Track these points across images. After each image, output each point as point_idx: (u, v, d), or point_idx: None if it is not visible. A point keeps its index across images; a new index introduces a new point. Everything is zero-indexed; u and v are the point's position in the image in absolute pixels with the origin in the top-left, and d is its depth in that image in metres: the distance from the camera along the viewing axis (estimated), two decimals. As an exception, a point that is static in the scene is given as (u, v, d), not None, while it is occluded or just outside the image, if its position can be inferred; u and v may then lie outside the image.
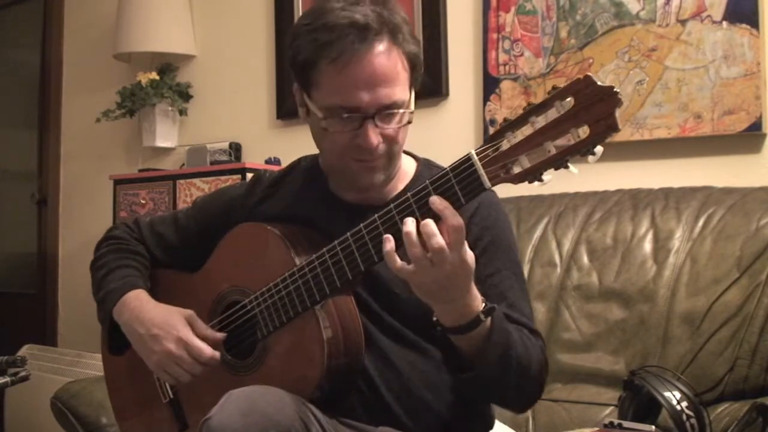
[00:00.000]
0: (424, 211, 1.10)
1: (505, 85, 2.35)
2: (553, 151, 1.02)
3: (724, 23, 2.00)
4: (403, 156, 1.42)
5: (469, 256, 1.11)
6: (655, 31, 2.11)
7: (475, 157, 1.07)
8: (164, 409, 1.49)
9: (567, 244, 1.93)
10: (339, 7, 1.23)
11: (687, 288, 1.74)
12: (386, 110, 1.25)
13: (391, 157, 1.30)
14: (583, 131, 1.00)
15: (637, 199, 1.92)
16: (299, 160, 1.51)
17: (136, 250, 1.54)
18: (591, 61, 2.20)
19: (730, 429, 1.41)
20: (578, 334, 1.84)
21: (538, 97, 2.25)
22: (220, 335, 1.37)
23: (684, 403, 1.37)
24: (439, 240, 1.07)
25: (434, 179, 1.11)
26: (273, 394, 1.15)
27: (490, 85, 2.38)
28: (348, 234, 1.20)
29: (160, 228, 1.56)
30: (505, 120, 1.06)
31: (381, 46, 1.23)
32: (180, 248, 1.54)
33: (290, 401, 1.15)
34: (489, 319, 1.17)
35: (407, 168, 1.41)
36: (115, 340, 1.50)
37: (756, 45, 1.96)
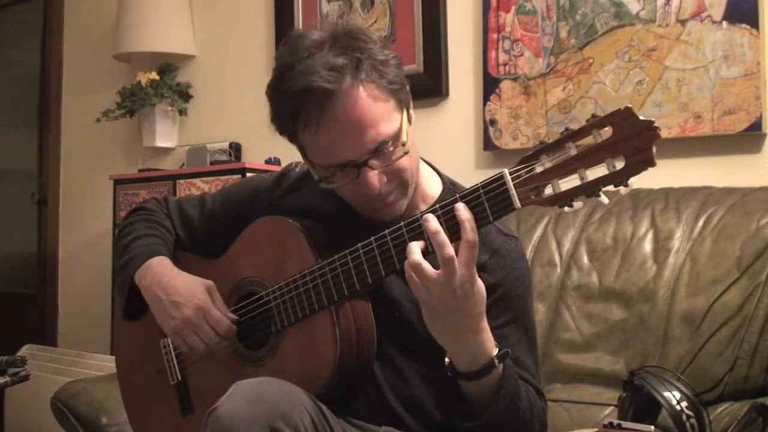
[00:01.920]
0: (451, 224, 1.11)
1: (505, 85, 2.35)
2: (587, 179, 1.03)
3: (724, 23, 2.00)
4: (430, 173, 1.40)
5: (480, 282, 1.11)
6: (655, 31, 2.10)
7: (508, 176, 1.07)
8: (171, 391, 1.50)
9: (567, 244, 1.93)
10: (297, 60, 1.20)
11: (687, 288, 1.74)
12: (377, 151, 1.22)
13: (404, 185, 1.28)
14: (619, 162, 1.01)
15: (637, 199, 1.92)
16: None
17: (164, 224, 1.55)
18: (591, 61, 2.20)
19: (730, 429, 1.41)
20: (578, 334, 1.84)
21: (538, 98, 2.27)
22: (233, 316, 1.38)
23: (684, 403, 1.37)
24: (450, 251, 1.07)
25: (464, 193, 1.12)
26: (281, 386, 1.16)
27: (490, 85, 2.38)
28: (372, 238, 1.20)
29: (187, 207, 1.57)
30: (541, 143, 1.07)
31: (347, 96, 1.19)
32: (202, 231, 1.55)
33: (299, 394, 1.16)
34: (501, 366, 1.17)
35: (432, 189, 1.39)
36: (130, 313, 1.51)
37: (756, 45, 1.96)
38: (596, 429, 1.38)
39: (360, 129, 1.20)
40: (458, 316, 1.11)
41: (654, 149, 0.99)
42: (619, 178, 1.01)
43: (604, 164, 1.02)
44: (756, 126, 1.97)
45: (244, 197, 1.52)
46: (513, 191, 1.07)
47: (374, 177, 1.22)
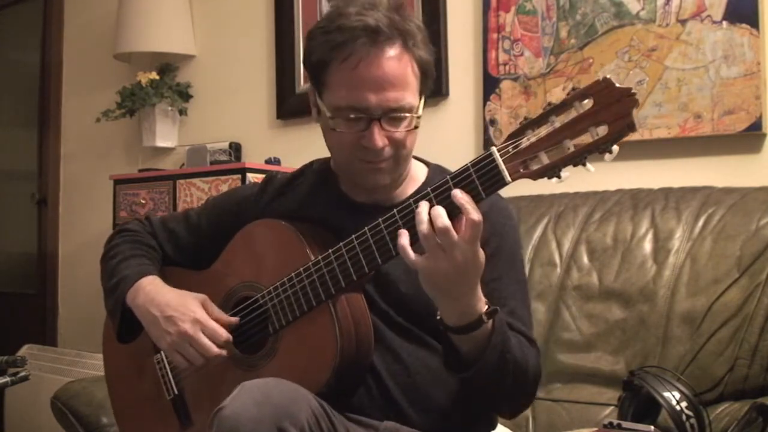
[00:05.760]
0: (444, 205, 1.13)
1: (505, 85, 2.35)
2: (572, 149, 1.07)
3: (724, 23, 2.00)
4: (414, 161, 1.44)
5: (481, 254, 1.14)
6: (655, 31, 2.10)
7: (496, 153, 1.11)
8: (167, 406, 1.48)
9: (567, 244, 1.93)
10: (354, 12, 1.27)
11: (687, 288, 1.74)
12: (393, 113, 1.27)
13: (397, 160, 1.32)
14: (602, 130, 1.05)
15: (637, 199, 1.92)
16: (311, 163, 1.52)
17: (149, 243, 1.56)
18: (591, 61, 2.20)
19: (730, 429, 1.40)
20: (578, 334, 1.84)
21: (538, 98, 2.27)
22: (234, 319, 1.38)
23: (683, 404, 1.37)
24: (445, 221, 1.10)
25: (455, 174, 1.15)
26: (287, 386, 1.16)
27: (490, 85, 2.38)
28: (366, 228, 1.22)
29: (172, 224, 1.57)
30: (525, 118, 1.11)
31: (392, 51, 1.26)
32: (190, 245, 1.55)
33: (304, 394, 1.17)
34: (491, 321, 1.19)
35: (417, 173, 1.43)
36: (124, 331, 1.50)
37: (756, 45, 1.96)
38: (596, 429, 1.38)
39: (391, 84, 1.25)
40: (457, 286, 1.14)
41: (634, 114, 1.03)
42: (603, 144, 1.05)
43: (588, 133, 1.06)
44: (756, 126, 1.97)
45: (230, 207, 1.52)
46: (502, 166, 1.10)
47: (379, 135, 1.27)
